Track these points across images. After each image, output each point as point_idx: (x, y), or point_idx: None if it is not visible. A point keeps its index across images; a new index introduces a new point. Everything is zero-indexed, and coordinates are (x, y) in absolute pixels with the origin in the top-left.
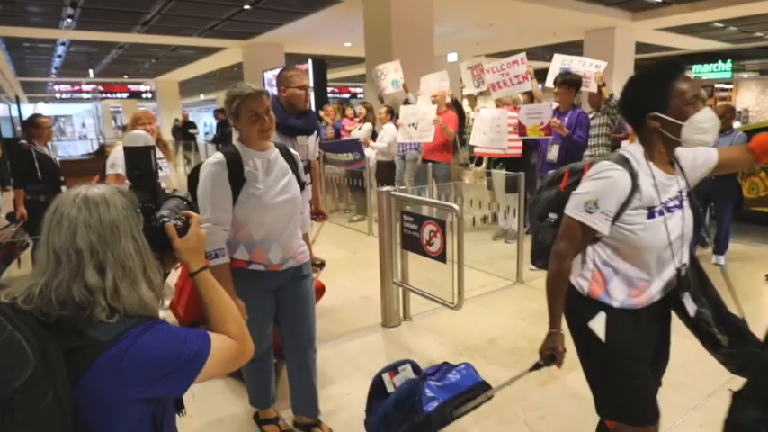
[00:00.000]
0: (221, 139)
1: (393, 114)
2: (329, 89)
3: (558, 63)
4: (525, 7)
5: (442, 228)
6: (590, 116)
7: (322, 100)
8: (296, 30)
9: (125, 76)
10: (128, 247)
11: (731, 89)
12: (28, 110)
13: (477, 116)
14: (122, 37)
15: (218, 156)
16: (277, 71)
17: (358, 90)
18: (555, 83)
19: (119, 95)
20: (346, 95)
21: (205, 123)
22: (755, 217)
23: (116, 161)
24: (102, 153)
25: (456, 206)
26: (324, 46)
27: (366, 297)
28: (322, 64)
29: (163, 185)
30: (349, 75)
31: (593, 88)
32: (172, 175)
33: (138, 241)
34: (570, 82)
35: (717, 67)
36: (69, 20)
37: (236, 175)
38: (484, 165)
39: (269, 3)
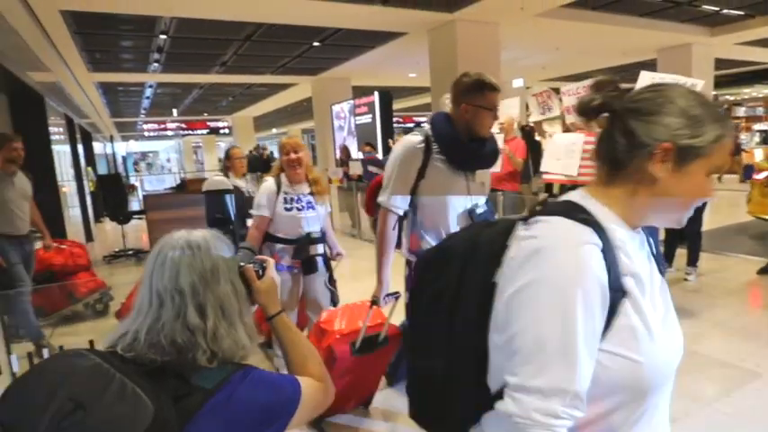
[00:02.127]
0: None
1: None
2: (394, 119)
3: (647, 81)
4: (594, 29)
5: None
6: None
7: (388, 131)
8: (362, 63)
9: (205, 114)
10: (226, 289)
11: None
12: (121, 147)
13: (549, 141)
14: (202, 78)
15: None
16: (344, 104)
17: (422, 119)
18: None
19: (199, 132)
20: (410, 125)
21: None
22: None
23: (261, 201)
24: (183, 187)
25: None
26: (389, 77)
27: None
28: (388, 95)
29: (313, 229)
30: (413, 105)
31: None
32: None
33: (235, 285)
34: None
35: None
36: (156, 64)
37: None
38: (556, 191)
39: (337, 39)
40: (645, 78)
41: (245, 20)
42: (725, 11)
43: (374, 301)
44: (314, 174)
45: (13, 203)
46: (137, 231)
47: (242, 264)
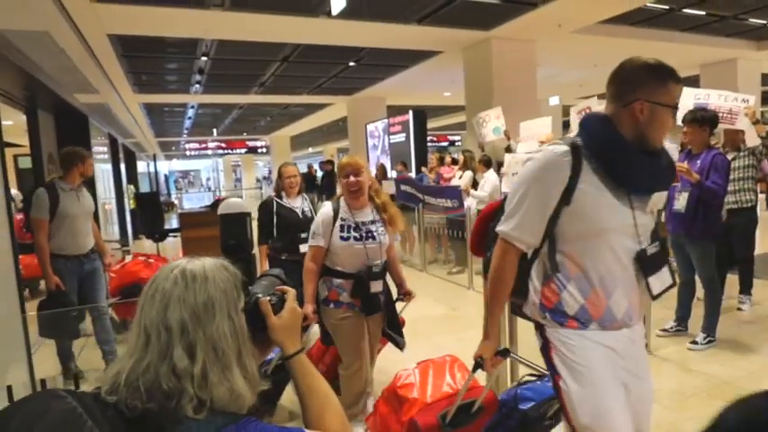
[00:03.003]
0: (326, 189)
1: (490, 164)
2: (428, 137)
3: (691, 98)
4: (634, 45)
5: None
6: (730, 157)
7: (423, 149)
8: (397, 82)
9: (244, 134)
10: (222, 327)
11: None
12: (164, 166)
13: None
14: (242, 98)
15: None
16: (379, 123)
17: (456, 138)
18: (684, 120)
19: (238, 151)
20: (445, 143)
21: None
22: None
23: (316, 229)
24: (216, 206)
25: None
26: (423, 96)
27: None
28: (422, 114)
29: (375, 261)
30: (447, 123)
31: (744, 126)
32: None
33: (236, 321)
34: (702, 119)
35: None
36: (197, 85)
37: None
38: None
39: (372, 59)
40: (688, 95)
41: (282, 41)
42: None
43: (478, 364)
44: (382, 197)
45: (78, 220)
46: (174, 249)
47: (258, 296)
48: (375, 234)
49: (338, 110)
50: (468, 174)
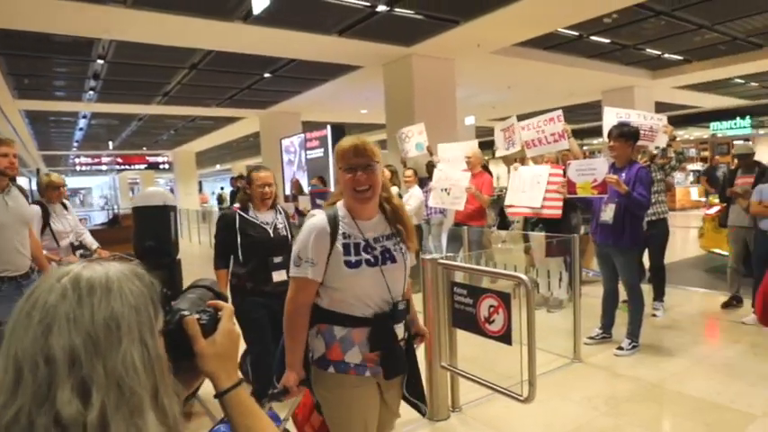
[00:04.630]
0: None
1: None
2: None
3: (613, 116)
4: (544, 68)
5: (505, 303)
6: None
7: None
8: (314, 97)
9: (144, 148)
10: (130, 356)
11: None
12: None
13: (514, 174)
14: (143, 108)
15: None
16: (295, 138)
17: None
18: (609, 135)
19: (137, 167)
20: None
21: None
22: None
23: (304, 252)
24: (115, 222)
25: (525, 277)
26: (340, 113)
27: None
28: (341, 129)
29: (398, 295)
30: None
31: (662, 142)
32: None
33: (150, 348)
34: (628, 134)
35: (735, 124)
36: (92, 92)
37: None
38: (520, 226)
39: (289, 71)
40: (610, 114)
41: (191, 46)
42: (666, 55)
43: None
44: (396, 201)
45: (6, 231)
46: None
47: (184, 313)
48: (395, 253)
49: (250, 124)
50: (394, 189)
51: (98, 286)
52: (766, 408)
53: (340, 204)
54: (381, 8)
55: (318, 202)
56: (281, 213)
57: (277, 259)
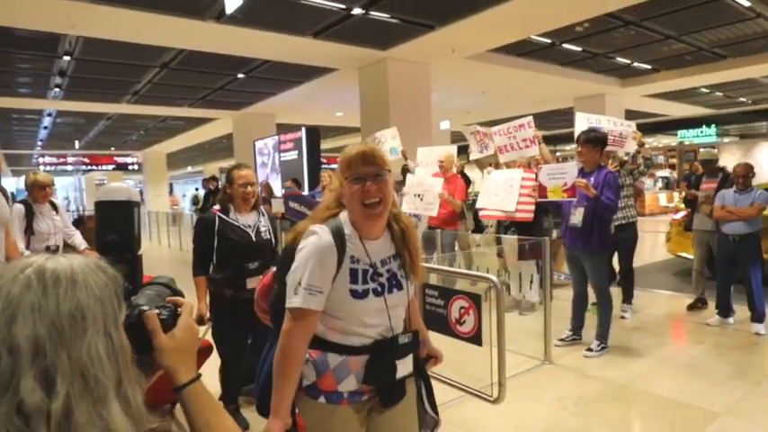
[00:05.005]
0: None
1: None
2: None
3: (584, 121)
4: (518, 75)
5: (476, 304)
6: None
7: (316, 168)
8: (288, 99)
9: (112, 148)
10: (95, 347)
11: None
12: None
13: (487, 178)
14: (111, 107)
15: None
16: (268, 140)
17: None
18: (578, 141)
19: (104, 167)
20: (335, 166)
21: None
22: None
23: (308, 278)
24: (80, 223)
25: (495, 278)
26: (315, 115)
27: None
28: (315, 132)
29: (399, 325)
30: (339, 145)
31: (632, 148)
32: None
33: (115, 339)
34: (595, 140)
35: (702, 132)
36: (57, 89)
37: None
38: (493, 229)
39: (263, 72)
40: (581, 119)
41: (162, 44)
42: (635, 64)
43: None
44: (405, 219)
45: None
46: None
47: (143, 308)
48: (401, 279)
49: (223, 125)
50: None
51: (63, 278)
52: (728, 406)
53: (344, 219)
54: (357, 11)
55: (292, 205)
56: (263, 215)
57: (252, 265)
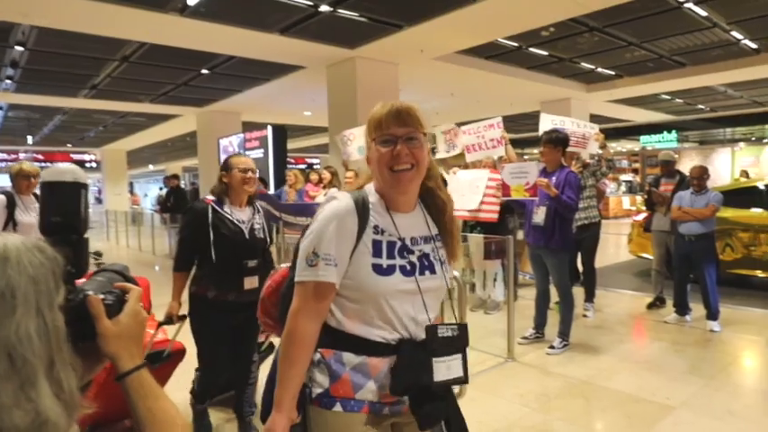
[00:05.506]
0: (174, 208)
1: None
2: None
3: (548, 122)
4: (486, 77)
5: None
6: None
7: (282, 167)
8: (254, 97)
9: (68, 145)
10: (25, 326)
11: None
12: None
13: (452, 178)
14: (67, 101)
15: None
16: (234, 138)
17: (314, 160)
18: (540, 141)
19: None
20: (302, 166)
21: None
22: (729, 280)
23: (320, 246)
24: None
25: (457, 273)
26: (282, 114)
27: None
28: (282, 130)
29: (434, 315)
30: (306, 145)
31: (594, 149)
32: None
33: (48, 320)
34: (556, 140)
35: (663, 138)
36: (9, 81)
37: None
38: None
39: (228, 68)
40: (545, 120)
41: (122, 37)
42: (599, 69)
43: None
44: (443, 192)
45: None
46: None
47: (88, 292)
48: (434, 261)
49: (186, 123)
50: (333, 191)
51: None
52: (683, 400)
53: (369, 188)
54: (324, 8)
55: (260, 203)
56: (259, 212)
57: (252, 263)
